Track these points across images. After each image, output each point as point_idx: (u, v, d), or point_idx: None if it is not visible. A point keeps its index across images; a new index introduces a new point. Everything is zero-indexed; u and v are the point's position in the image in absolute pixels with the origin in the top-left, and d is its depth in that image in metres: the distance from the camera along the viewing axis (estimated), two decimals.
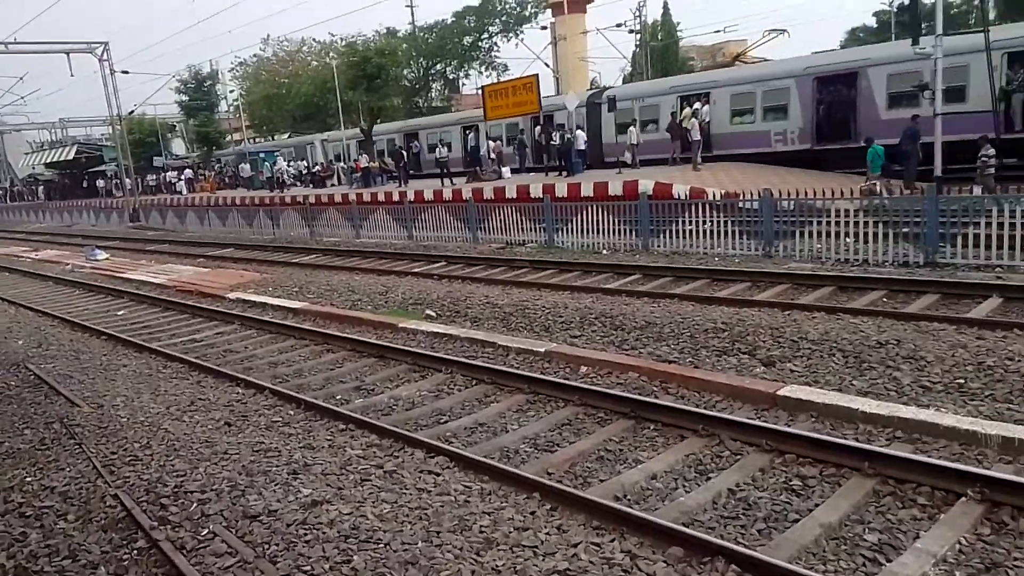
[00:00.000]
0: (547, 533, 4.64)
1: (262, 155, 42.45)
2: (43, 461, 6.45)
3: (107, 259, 22.36)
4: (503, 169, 27.44)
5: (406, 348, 9.35)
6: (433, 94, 58.33)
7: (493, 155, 28.37)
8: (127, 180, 42.17)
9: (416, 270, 15.70)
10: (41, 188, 62.39)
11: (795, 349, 7.77)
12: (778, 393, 6.43)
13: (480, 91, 28.19)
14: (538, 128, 26.55)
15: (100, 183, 49.42)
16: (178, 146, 57.77)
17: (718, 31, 36.00)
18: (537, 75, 26.05)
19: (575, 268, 14.03)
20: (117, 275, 18.94)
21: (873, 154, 16.00)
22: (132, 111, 42.97)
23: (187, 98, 46.95)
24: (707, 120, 22.65)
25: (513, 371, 7.99)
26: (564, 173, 23.86)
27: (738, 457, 5.61)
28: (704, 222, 14.52)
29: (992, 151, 14.92)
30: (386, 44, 34.56)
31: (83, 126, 71.10)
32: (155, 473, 5.75)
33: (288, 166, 41.24)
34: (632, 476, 5.47)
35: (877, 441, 5.56)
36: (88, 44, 35.23)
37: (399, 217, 21.71)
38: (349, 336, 10.27)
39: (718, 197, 15.53)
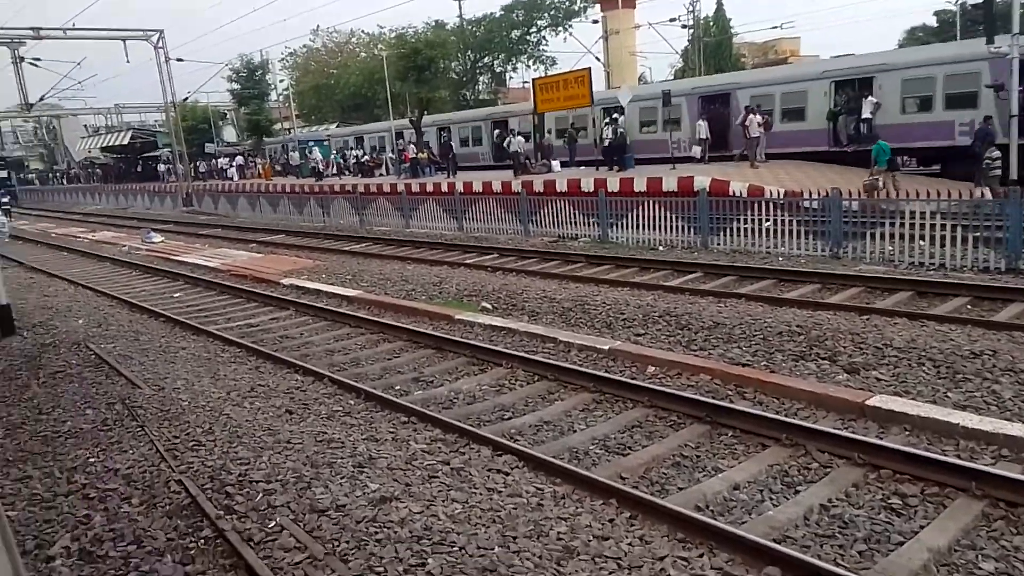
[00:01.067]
0: (629, 544, 4.37)
1: (311, 143, 42.82)
2: (106, 442, 6.39)
3: (162, 242, 22.66)
4: (553, 163, 27.15)
5: (464, 340, 9.15)
6: (480, 87, 58.21)
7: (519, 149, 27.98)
8: (179, 165, 42.88)
9: (468, 261, 15.50)
10: (97, 171, 64.07)
11: (879, 356, 7.34)
12: (867, 403, 6.05)
13: (531, 84, 27.83)
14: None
15: (162, 167, 50.04)
16: (229, 133, 58.59)
17: (775, 27, 34.91)
18: (590, 68, 25.64)
19: (632, 264, 13.68)
20: (172, 258, 19.15)
21: (878, 150, 16.19)
22: (186, 98, 43.62)
23: (239, 86, 47.48)
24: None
25: (577, 368, 7.72)
26: (616, 168, 23.48)
27: (827, 470, 5.27)
28: (766, 220, 14.03)
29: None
30: (436, 36, 34.40)
31: (137, 112, 72.64)
32: (219, 460, 5.62)
33: (337, 155, 41.65)
34: (713, 485, 5.17)
35: (982, 459, 5.16)
36: (144, 31, 35.78)
37: (449, 208, 21.55)
38: (405, 326, 10.12)
39: (778, 195, 15.08)
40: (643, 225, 16.25)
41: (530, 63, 54.23)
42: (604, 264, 13.98)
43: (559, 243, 17.52)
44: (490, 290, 12.05)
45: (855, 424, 5.93)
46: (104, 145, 57.44)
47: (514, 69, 56.14)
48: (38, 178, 76.07)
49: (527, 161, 27.46)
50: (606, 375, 7.46)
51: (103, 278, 17.03)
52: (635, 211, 16.41)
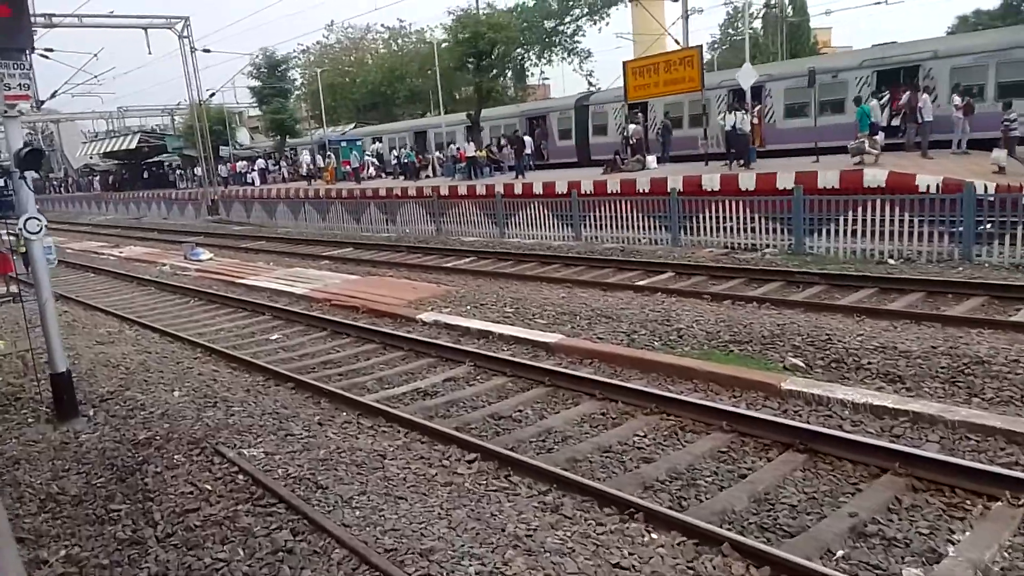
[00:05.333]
0: None
1: (344, 144, 39.05)
2: None
3: (211, 259, 18.87)
4: (648, 158, 23.55)
5: (825, 431, 5.53)
6: (507, 82, 54.45)
7: (634, 140, 24.57)
8: (195, 170, 38.90)
9: (642, 283, 11.84)
10: (97, 179, 59.90)
11: None
12: None
13: (622, 67, 24.04)
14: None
15: (198, 170, 44.76)
16: (243, 136, 54.63)
17: (877, 2, 31.32)
18: (701, 46, 22.09)
19: (907, 286, 10.06)
20: (236, 281, 15.37)
21: (861, 113, 16.05)
22: (213, 94, 39.72)
23: (259, 83, 43.63)
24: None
25: None
26: (740, 163, 19.85)
27: None
28: None
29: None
30: (499, 18, 30.62)
31: (139, 116, 68.66)
32: None
33: (370, 156, 37.96)
34: None
35: None
36: (168, 19, 31.89)
37: (562, 213, 17.86)
38: (696, 402, 6.48)
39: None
40: (861, 231, 12.64)
41: (565, 55, 50.67)
42: (859, 287, 10.34)
43: (730, 255, 13.90)
44: (764, 334, 8.36)
45: None
46: (108, 150, 53.22)
47: (548, 62, 52.39)
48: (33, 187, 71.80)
49: (617, 157, 23.91)
50: None
51: (161, 311, 13.25)
52: (847, 213, 12.80)
